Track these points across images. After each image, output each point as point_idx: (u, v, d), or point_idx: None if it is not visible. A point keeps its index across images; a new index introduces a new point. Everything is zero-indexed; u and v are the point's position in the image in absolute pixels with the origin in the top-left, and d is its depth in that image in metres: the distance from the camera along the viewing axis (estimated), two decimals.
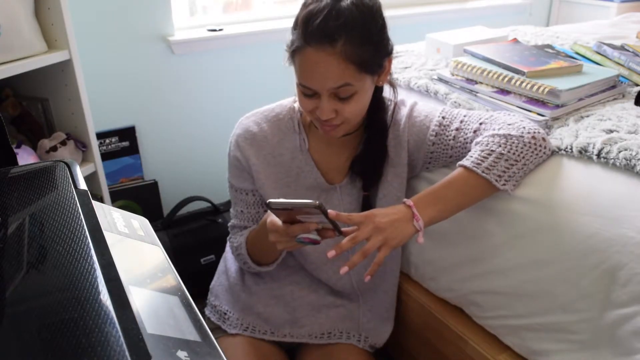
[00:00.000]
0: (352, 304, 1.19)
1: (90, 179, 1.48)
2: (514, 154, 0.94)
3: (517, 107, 1.11)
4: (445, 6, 2.46)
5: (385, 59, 0.97)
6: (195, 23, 1.98)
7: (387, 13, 0.95)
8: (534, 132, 0.96)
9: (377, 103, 1.05)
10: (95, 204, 0.55)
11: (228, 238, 1.21)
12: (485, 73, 1.19)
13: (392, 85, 1.07)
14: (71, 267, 0.43)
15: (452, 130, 1.04)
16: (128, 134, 1.87)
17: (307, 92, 0.95)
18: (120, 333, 0.36)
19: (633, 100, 1.12)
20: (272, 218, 0.92)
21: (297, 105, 1.10)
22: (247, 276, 1.19)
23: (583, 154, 0.93)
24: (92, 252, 0.45)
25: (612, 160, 0.89)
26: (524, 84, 1.11)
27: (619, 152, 0.88)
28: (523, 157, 0.94)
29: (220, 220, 1.72)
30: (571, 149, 0.95)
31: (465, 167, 0.95)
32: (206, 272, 1.41)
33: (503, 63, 1.20)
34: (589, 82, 1.12)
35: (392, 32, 0.97)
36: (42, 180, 0.60)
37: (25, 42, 1.23)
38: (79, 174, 0.62)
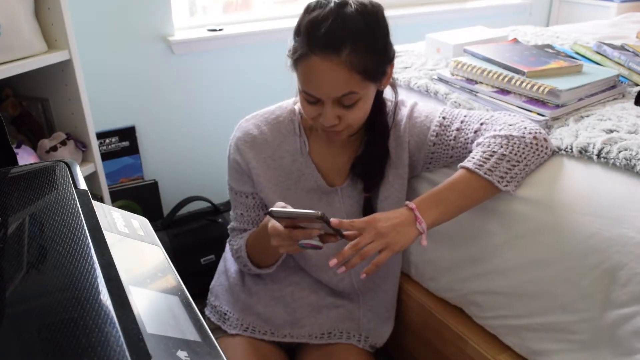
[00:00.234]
0: (352, 304, 1.19)
1: (90, 179, 1.48)
2: (515, 154, 0.94)
3: (517, 107, 1.11)
4: (445, 6, 2.46)
5: (388, 65, 0.97)
6: (195, 23, 1.98)
7: (387, 13, 0.95)
8: (536, 133, 0.96)
9: (378, 104, 1.04)
10: (95, 204, 0.55)
11: (228, 240, 1.21)
12: (485, 73, 1.19)
13: (393, 85, 1.07)
14: (71, 267, 0.43)
15: (452, 131, 1.04)
16: (128, 134, 1.87)
17: (310, 99, 0.94)
18: (120, 333, 0.36)
19: (633, 100, 1.12)
20: (273, 222, 0.92)
21: (297, 107, 1.10)
22: (247, 277, 1.19)
23: (583, 154, 0.93)
24: (92, 252, 0.45)
25: (612, 160, 0.89)
26: (524, 84, 1.11)
27: (619, 152, 0.88)
28: (525, 158, 0.94)
29: (220, 220, 1.72)
30: (571, 149, 0.95)
31: (467, 168, 0.95)
32: (206, 272, 1.41)
33: (503, 63, 1.20)
34: (589, 82, 1.12)
35: (392, 32, 0.96)
36: (42, 180, 0.60)
37: (25, 42, 1.23)
38: (79, 174, 0.62)
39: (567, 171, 0.94)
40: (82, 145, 1.43)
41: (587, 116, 1.05)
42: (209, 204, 1.77)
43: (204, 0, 2.05)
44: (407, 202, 0.93)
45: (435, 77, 1.32)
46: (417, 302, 1.25)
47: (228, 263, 1.24)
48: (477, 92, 1.19)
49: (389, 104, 1.09)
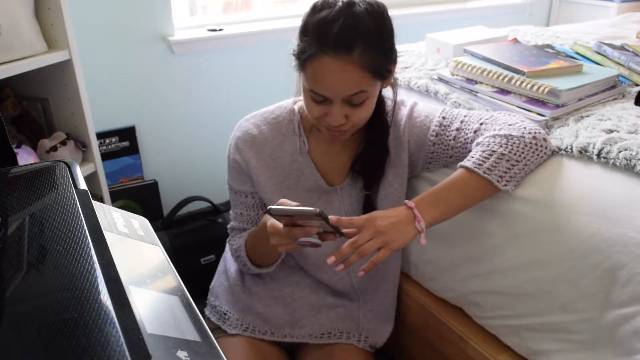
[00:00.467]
0: (352, 304, 1.19)
1: (90, 179, 1.48)
2: (515, 154, 0.94)
3: (517, 107, 1.11)
4: (445, 6, 2.46)
5: (393, 64, 0.98)
6: (195, 23, 1.98)
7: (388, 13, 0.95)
8: (535, 133, 0.96)
9: (378, 103, 1.04)
10: (95, 204, 0.55)
11: (227, 240, 1.21)
12: (485, 73, 1.19)
13: (392, 85, 1.07)
14: (71, 267, 0.43)
15: (452, 131, 1.04)
16: (128, 134, 1.87)
17: (318, 98, 0.94)
18: (120, 333, 0.36)
19: (633, 100, 1.12)
20: (272, 221, 0.92)
21: (296, 107, 1.10)
22: (247, 277, 1.19)
23: (583, 154, 0.93)
24: (92, 252, 0.45)
25: (612, 160, 0.89)
26: (524, 84, 1.11)
27: (619, 152, 0.88)
28: (524, 158, 0.94)
29: (220, 220, 1.72)
30: (571, 149, 0.95)
31: (466, 168, 0.95)
32: (206, 272, 1.41)
33: (503, 63, 1.20)
34: (589, 82, 1.12)
35: (394, 33, 0.97)
36: (42, 180, 0.60)
37: (25, 42, 1.23)
38: (79, 174, 0.62)
39: (567, 171, 0.94)
40: (82, 145, 1.43)
41: (587, 116, 1.05)
42: (209, 204, 1.77)
43: (204, 0, 2.05)
44: (406, 201, 0.93)
45: (435, 77, 1.32)
46: (417, 302, 1.25)
47: (228, 263, 1.24)
48: (477, 92, 1.19)
49: (388, 102, 1.09)
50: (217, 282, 1.25)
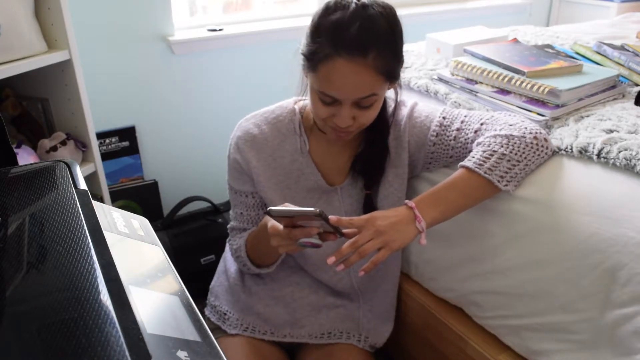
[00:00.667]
0: (352, 304, 1.19)
1: (90, 179, 1.48)
2: (515, 154, 0.94)
3: (517, 107, 1.11)
4: (445, 6, 2.46)
5: (402, 66, 0.98)
6: (195, 23, 1.98)
7: None
8: (536, 133, 0.96)
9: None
10: (95, 204, 0.55)
11: (227, 240, 1.21)
12: (485, 73, 1.19)
13: (395, 86, 1.07)
14: (71, 267, 0.43)
15: (452, 131, 1.04)
16: (128, 134, 1.87)
17: (327, 100, 0.93)
18: (120, 333, 0.36)
19: (633, 100, 1.12)
20: (273, 222, 0.91)
21: (297, 107, 1.10)
22: (247, 277, 1.19)
23: (583, 154, 0.93)
24: (92, 252, 0.45)
25: (612, 160, 0.89)
26: (524, 84, 1.11)
27: (619, 152, 0.88)
28: (525, 158, 0.94)
29: (220, 220, 1.72)
30: (571, 149, 0.95)
31: (467, 167, 0.95)
32: (206, 272, 1.41)
33: (503, 63, 1.20)
34: (589, 82, 1.12)
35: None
36: (42, 180, 0.60)
37: (25, 42, 1.23)
38: (79, 174, 0.62)
39: (567, 171, 0.94)
40: (82, 145, 1.43)
41: (587, 116, 1.05)
42: (209, 204, 1.77)
43: (204, 0, 2.05)
44: (407, 201, 0.93)
45: (435, 77, 1.32)
46: (417, 302, 1.25)
47: (228, 263, 1.24)
48: (477, 92, 1.19)
49: (389, 102, 1.09)
50: (217, 282, 1.25)
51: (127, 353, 0.35)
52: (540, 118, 1.06)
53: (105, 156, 1.82)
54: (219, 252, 1.34)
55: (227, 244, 1.22)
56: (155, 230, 0.64)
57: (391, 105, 1.09)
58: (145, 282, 0.47)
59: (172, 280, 0.51)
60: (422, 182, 1.16)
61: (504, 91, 1.15)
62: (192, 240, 1.67)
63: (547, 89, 1.07)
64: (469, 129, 1.02)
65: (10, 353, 0.36)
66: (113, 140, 1.84)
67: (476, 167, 0.93)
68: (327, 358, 1.13)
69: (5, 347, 0.37)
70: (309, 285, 1.17)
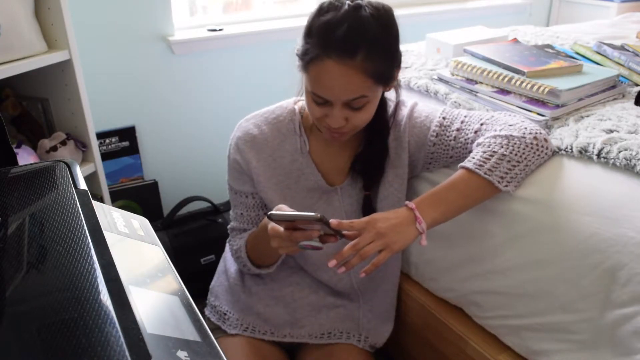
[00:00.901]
0: (352, 304, 1.19)
1: (90, 179, 1.48)
2: (515, 155, 0.94)
3: (517, 107, 1.11)
4: (445, 6, 2.46)
5: (397, 68, 0.98)
6: (195, 23, 1.98)
7: None
8: (536, 133, 0.96)
9: (380, 104, 1.04)
10: (95, 204, 0.55)
11: (227, 240, 1.21)
12: (485, 73, 1.19)
13: (395, 86, 1.07)
14: (71, 267, 0.43)
15: (452, 131, 1.04)
16: (128, 134, 1.87)
17: (319, 100, 0.94)
18: (120, 333, 0.36)
19: (633, 100, 1.12)
20: (273, 224, 0.91)
21: (297, 107, 1.10)
22: (247, 277, 1.19)
23: (583, 154, 0.93)
24: (92, 252, 0.45)
25: (612, 160, 0.89)
26: (524, 84, 1.11)
27: (619, 152, 0.88)
28: (525, 158, 0.94)
29: (220, 220, 1.72)
30: (571, 149, 0.95)
31: (467, 168, 0.95)
32: (206, 272, 1.41)
33: (503, 63, 1.20)
34: (589, 82, 1.12)
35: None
36: (42, 180, 0.60)
37: (25, 42, 1.23)
38: (79, 174, 0.62)
39: (567, 171, 0.94)
40: (82, 145, 1.43)
41: (587, 116, 1.05)
42: (209, 204, 1.77)
43: (204, 0, 2.05)
44: (407, 202, 0.93)
45: (435, 77, 1.32)
46: (417, 302, 1.25)
47: (228, 263, 1.24)
48: (477, 92, 1.19)
49: (389, 103, 1.09)
50: (217, 282, 1.25)
51: (127, 353, 0.35)
52: (540, 118, 1.05)
53: (105, 156, 1.82)
54: (219, 252, 1.34)
55: (227, 245, 1.22)
56: (155, 230, 0.64)
57: (391, 106, 1.09)
58: (145, 282, 0.47)
59: (172, 280, 0.51)
60: (422, 182, 1.16)
61: (504, 91, 1.15)
62: (192, 240, 1.67)
63: (547, 89, 1.07)
64: (469, 129, 1.02)
65: (10, 353, 0.36)
66: (113, 140, 1.84)
67: (476, 168, 0.93)
68: (327, 358, 1.13)
69: (5, 347, 0.37)
70: (309, 285, 1.17)
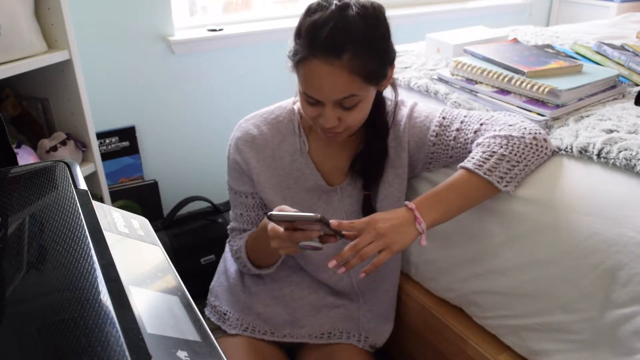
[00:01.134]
0: (352, 304, 1.19)
1: (90, 179, 1.48)
2: (515, 155, 0.94)
3: (517, 107, 1.11)
4: (445, 6, 2.46)
5: (389, 67, 0.97)
6: (195, 23, 1.98)
7: (387, 13, 0.95)
8: (535, 133, 0.96)
9: (378, 104, 1.05)
10: (95, 204, 0.55)
11: (227, 241, 1.21)
12: (485, 73, 1.19)
13: (393, 85, 1.07)
14: (71, 267, 0.43)
15: (452, 131, 1.04)
16: (128, 134, 1.87)
17: (310, 100, 0.94)
18: (120, 333, 0.36)
19: (633, 100, 1.12)
20: (273, 225, 0.92)
21: (296, 107, 1.10)
22: (247, 277, 1.19)
23: (583, 154, 0.93)
24: (92, 252, 0.45)
25: (612, 160, 0.89)
26: (524, 84, 1.11)
27: (619, 152, 0.88)
28: (525, 159, 0.94)
29: (220, 220, 1.72)
30: (571, 149, 0.95)
31: (467, 168, 0.95)
32: (206, 272, 1.41)
33: (503, 63, 1.20)
34: (589, 82, 1.12)
35: (392, 32, 0.96)
36: (42, 180, 0.60)
37: (25, 42, 1.23)
38: (79, 174, 0.62)
39: (567, 171, 0.94)
40: (82, 145, 1.43)
41: (587, 116, 1.05)
42: (209, 204, 1.77)
43: (204, 0, 2.05)
44: (407, 202, 0.93)
45: (435, 77, 1.32)
46: (417, 302, 1.25)
47: (228, 263, 1.24)
48: (477, 92, 1.19)
49: (388, 102, 1.09)
50: (217, 282, 1.25)
51: (127, 353, 0.35)
52: (540, 118, 1.05)
53: (105, 156, 1.82)
54: (219, 252, 1.34)
55: (227, 245, 1.22)
56: (155, 230, 0.64)
57: (390, 105, 1.09)
58: (145, 282, 0.47)
59: (172, 280, 0.51)
60: (422, 182, 1.16)
61: (504, 91, 1.15)
62: (192, 240, 1.67)
63: (547, 89, 1.07)
64: (468, 129, 1.02)
65: (10, 353, 0.36)
66: (113, 140, 1.84)
67: (476, 168, 0.93)
68: (327, 358, 1.13)
69: (5, 347, 0.37)
70: (309, 285, 1.17)
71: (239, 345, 1.13)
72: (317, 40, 0.88)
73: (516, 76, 1.14)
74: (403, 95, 1.16)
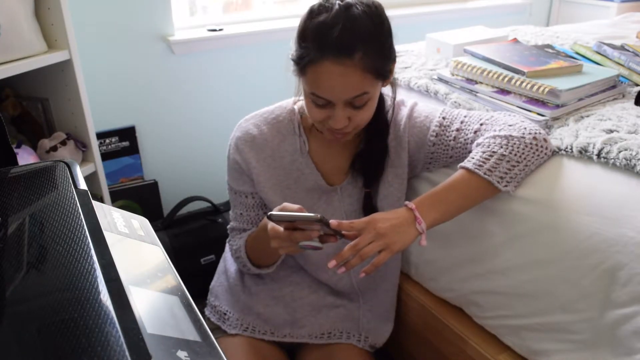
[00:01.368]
0: (352, 304, 1.19)
1: (90, 179, 1.48)
2: (515, 155, 0.94)
3: (517, 107, 1.11)
4: (445, 6, 2.46)
5: (393, 63, 0.98)
6: (195, 23, 1.98)
7: (387, 13, 0.95)
8: (535, 133, 0.96)
9: (378, 102, 1.05)
10: (95, 204, 0.55)
11: (227, 241, 1.21)
12: (485, 73, 1.19)
13: (392, 83, 1.07)
14: (71, 267, 0.43)
15: (452, 131, 1.04)
16: (128, 134, 1.87)
17: (319, 102, 0.94)
18: (120, 333, 0.36)
19: (633, 100, 1.12)
20: (273, 224, 0.92)
21: (296, 107, 1.10)
22: (247, 277, 1.19)
23: (583, 154, 0.93)
24: (92, 252, 0.45)
25: (612, 160, 0.89)
26: (524, 84, 1.11)
27: (619, 152, 0.88)
28: (524, 159, 0.94)
29: (220, 220, 1.72)
30: (571, 149, 0.95)
31: (467, 169, 0.95)
32: (206, 272, 1.41)
33: (503, 63, 1.20)
34: (589, 82, 1.12)
35: (393, 32, 0.97)
36: (42, 180, 0.60)
37: (25, 42, 1.23)
38: (79, 174, 0.62)
39: (567, 171, 0.94)
40: (82, 145, 1.43)
41: (587, 116, 1.05)
42: (209, 204, 1.77)
43: (204, 0, 2.05)
44: (407, 202, 0.93)
45: (435, 77, 1.32)
46: (417, 302, 1.25)
47: (228, 263, 1.24)
48: (477, 92, 1.19)
49: (387, 100, 1.09)
50: (217, 282, 1.25)
51: (127, 353, 0.35)
52: (540, 118, 1.05)
53: (105, 156, 1.82)
54: (219, 252, 1.34)
55: (227, 245, 1.22)
56: (155, 230, 0.64)
57: (388, 102, 1.09)
58: (145, 282, 0.47)
59: (172, 280, 0.51)
60: (422, 182, 1.16)
61: (504, 91, 1.15)
62: (192, 240, 1.67)
63: (547, 89, 1.07)
64: (468, 129, 1.02)
65: (10, 353, 0.36)
66: (113, 140, 1.84)
67: (476, 168, 0.93)
68: (327, 358, 1.13)
69: (5, 347, 0.37)
70: (308, 285, 1.17)
71: (239, 345, 1.13)
72: (327, 42, 0.87)
73: (516, 76, 1.14)
74: (403, 95, 1.16)
